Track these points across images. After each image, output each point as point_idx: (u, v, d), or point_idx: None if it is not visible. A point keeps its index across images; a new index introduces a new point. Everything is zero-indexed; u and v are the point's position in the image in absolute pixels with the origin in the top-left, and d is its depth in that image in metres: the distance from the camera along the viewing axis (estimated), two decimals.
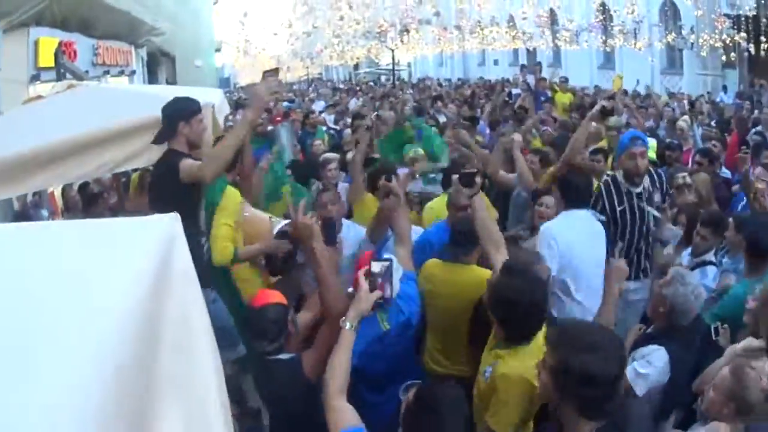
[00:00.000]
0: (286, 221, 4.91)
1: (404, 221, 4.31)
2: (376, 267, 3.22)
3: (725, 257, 5.44)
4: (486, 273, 4.02)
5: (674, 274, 3.97)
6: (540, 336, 3.10)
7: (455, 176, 4.19)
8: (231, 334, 4.80)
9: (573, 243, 4.65)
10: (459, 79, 37.38)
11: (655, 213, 5.29)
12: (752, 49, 20.88)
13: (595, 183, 5.50)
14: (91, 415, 1.09)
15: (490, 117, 12.08)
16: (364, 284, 3.13)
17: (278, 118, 11.49)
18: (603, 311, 3.65)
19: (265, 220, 5.31)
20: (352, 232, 5.01)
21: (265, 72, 4.49)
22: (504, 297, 3.23)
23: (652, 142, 6.33)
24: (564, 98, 14.78)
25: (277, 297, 3.46)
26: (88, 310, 1.27)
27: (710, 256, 5.15)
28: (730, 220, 5.50)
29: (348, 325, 3.01)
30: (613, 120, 10.56)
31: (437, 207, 5.80)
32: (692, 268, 4.92)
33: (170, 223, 1.66)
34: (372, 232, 4.56)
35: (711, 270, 5.05)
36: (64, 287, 1.35)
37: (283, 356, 3.37)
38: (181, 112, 4.41)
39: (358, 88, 29.05)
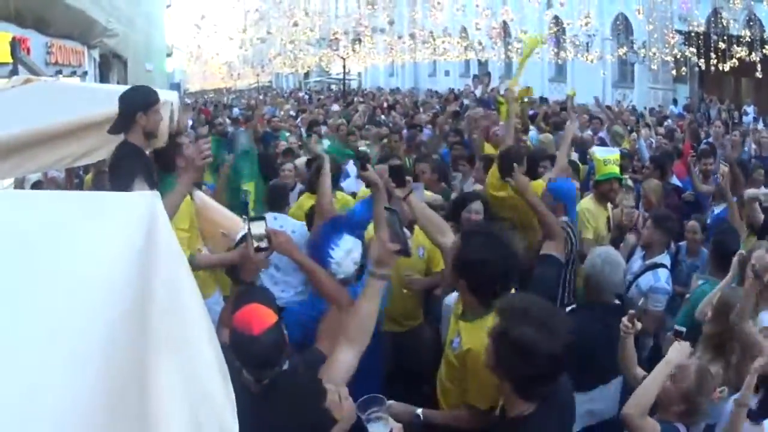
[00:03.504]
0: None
1: (382, 208, 4.35)
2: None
3: (687, 258, 5.67)
4: None
5: (594, 253, 4.23)
6: None
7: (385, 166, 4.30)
8: None
9: None
10: (396, 89, 37.60)
11: None
12: (702, 65, 21.42)
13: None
14: (89, 374, 1.13)
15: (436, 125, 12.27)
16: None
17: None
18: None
19: (236, 221, 5.03)
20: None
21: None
22: (469, 258, 3.19)
23: (616, 155, 6.28)
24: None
25: (268, 314, 2.89)
26: (78, 274, 1.30)
27: (662, 258, 5.12)
28: (692, 221, 5.78)
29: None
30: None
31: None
32: (643, 271, 4.99)
33: (152, 198, 1.70)
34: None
35: (663, 272, 5.01)
36: (54, 253, 1.36)
37: (285, 367, 2.87)
38: (140, 102, 4.32)
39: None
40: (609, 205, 6.11)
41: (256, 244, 3.40)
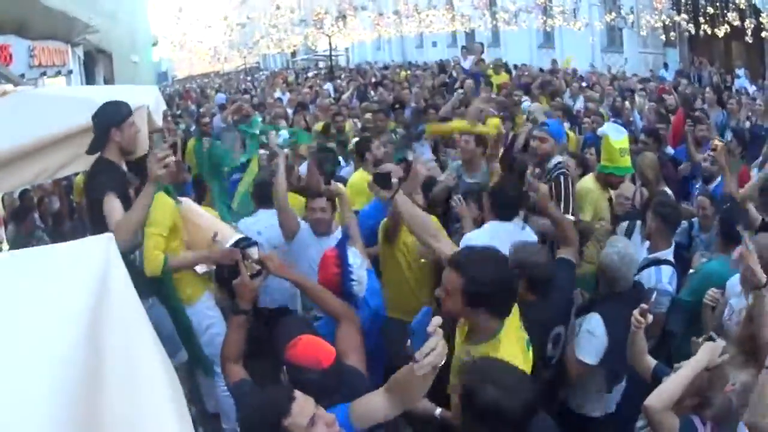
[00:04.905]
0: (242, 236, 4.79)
1: (353, 218, 4.72)
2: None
3: (700, 233, 5.52)
4: None
5: (610, 247, 4.26)
6: (508, 321, 3.13)
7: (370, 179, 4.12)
8: (171, 341, 4.55)
9: None
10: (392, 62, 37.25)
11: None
12: (692, 29, 21.25)
13: None
14: None
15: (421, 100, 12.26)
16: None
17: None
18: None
19: (226, 229, 5.09)
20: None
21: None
22: (486, 285, 3.04)
23: (626, 140, 5.84)
24: (499, 80, 15.13)
25: (326, 345, 3.05)
26: (26, 342, 1.24)
27: (666, 254, 4.82)
28: (701, 197, 5.66)
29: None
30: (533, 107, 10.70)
31: (357, 183, 6.08)
32: (645, 266, 4.74)
33: (105, 244, 1.67)
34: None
35: (666, 270, 4.69)
36: (6, 316, 1.32)
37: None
38: (112, 118, 4.33)
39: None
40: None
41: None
